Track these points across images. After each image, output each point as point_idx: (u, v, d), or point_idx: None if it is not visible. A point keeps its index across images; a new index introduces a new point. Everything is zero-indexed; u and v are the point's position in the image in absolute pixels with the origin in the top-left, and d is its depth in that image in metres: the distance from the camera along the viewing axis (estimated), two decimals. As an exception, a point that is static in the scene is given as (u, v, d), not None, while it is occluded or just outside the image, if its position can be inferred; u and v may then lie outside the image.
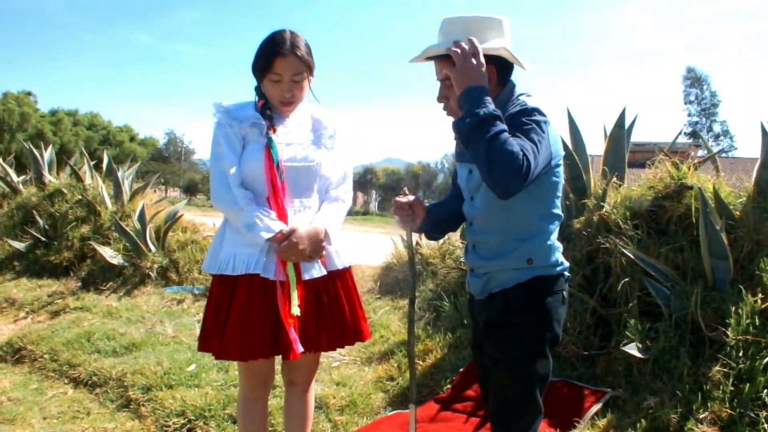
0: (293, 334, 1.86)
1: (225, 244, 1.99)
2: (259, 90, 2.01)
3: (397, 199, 1.86)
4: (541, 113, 1.57)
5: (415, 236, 1.94)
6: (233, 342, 1.90)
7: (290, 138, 2.01)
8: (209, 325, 1.99)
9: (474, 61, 1.53)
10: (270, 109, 1.99)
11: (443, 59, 1.65)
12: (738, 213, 3.02)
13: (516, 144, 1.45)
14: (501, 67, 1.66)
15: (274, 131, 1.97)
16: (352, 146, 2.20)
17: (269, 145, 1.94)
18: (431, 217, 1.86)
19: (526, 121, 1.54)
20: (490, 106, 1.50)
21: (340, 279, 2.06)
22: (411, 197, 1.85)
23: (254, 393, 2.09)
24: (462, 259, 4.00)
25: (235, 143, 1.96)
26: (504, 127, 1.48)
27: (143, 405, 3.08)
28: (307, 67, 1.96)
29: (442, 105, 1.74)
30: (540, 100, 1.67)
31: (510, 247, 1.67)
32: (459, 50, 1.54)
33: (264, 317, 1.91)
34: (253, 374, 2.05)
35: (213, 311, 1.98)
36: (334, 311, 2.02)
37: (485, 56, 1.58)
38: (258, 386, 2.09)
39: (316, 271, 1.97)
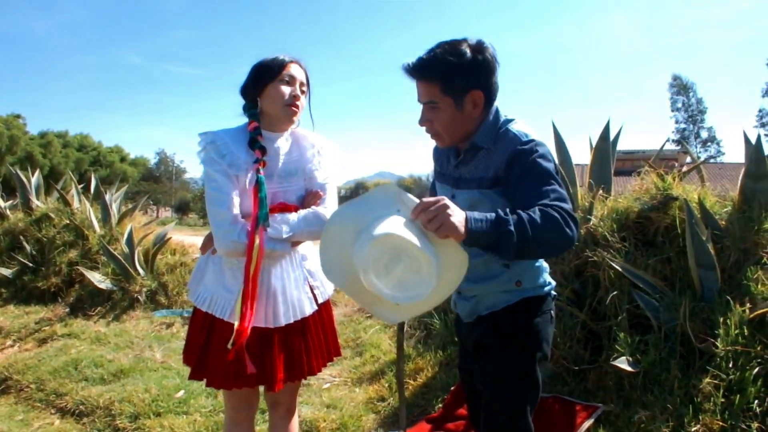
0: (248, 363, 1.84)
1: (206, 279, 1.96)
2: (251, 110, 1.92)
3: None
4: (538, 144, 1.55)
5: None
6: (217, 371, 1.88)
7: (275, 177, 1.94)
8: (193, 342, 1.98)
9: (445, 212, 1.34)
10: (261, 135, 1.90)
11: (426, 81, 1.58)
12: (724, 222, 3.03)
13: (546, 212, 1.37)
14: (488, 92, 1.61)
15: (264, 165, 1.88)
16: (337, 167, 2.16)
17: (257, 186, 1.84)
18: None
19: (537, 162, 1.50)
20: (499, 214, 1.36)
21: (324, 305, 2.08)
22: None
23: (239, 414, 2.07)
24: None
25: (232, 177, 1.86)
26: (526, 214, 1.36)
27: (131, 434, 3.02)
28: (307, 83, 1.98)
29: (425, 128, 1.68)
30: (524, 124, 1.65)
31: (498, 270, 1.67)
32: (427, 217, 1.35)
33: (250, 349, 1.88)
34: (235, 395, 2.03)
35: (197, 331, 1.97)
36: (320, 336, 2.04)
37: (474, 82, 1.55)
38: (242, 407, 2.07)
39: (307, 309, 1.97)
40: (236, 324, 1.82)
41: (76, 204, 6.78)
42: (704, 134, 45.24)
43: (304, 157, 2.02)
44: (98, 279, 5.44)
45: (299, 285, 1.97)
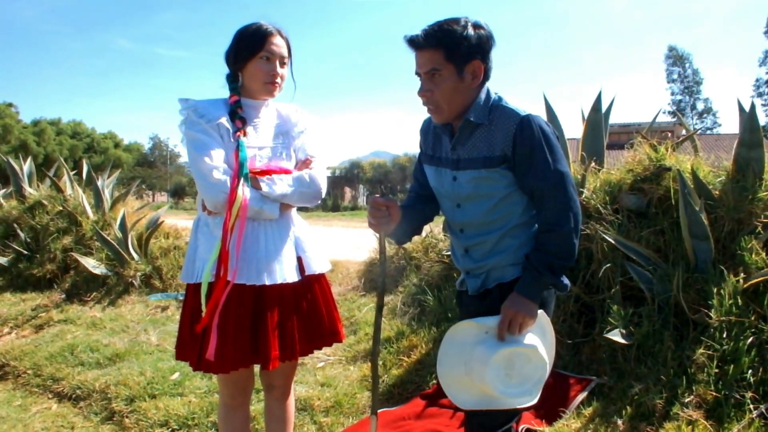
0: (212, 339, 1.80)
1: (199, 251, 1.94)
2: (232, 84, 1.94)
3: (376, 197, 1.76)
4: (534, 117, 1.60)
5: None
6: (214, 354, 1.86)
7: (262, 141, 1.95)
8: (185, 334, 1.95)
9: (520, 318, 1.61)
10: (241, 107, 1.92)
11: (431, 47, 1.60)
12: (717, 192, 3.01)
13: (558, 232, 1.60)
14: (487, 66, 1.65)
15: (245, 134, 1.90)
16: (323, 141, 2.13)
17: (238, 149, 1.86)
18: (406, 223, 1.79)
19: (539, 139, 1.59)
20: (534, 275, 1.62)
21: (318, 283, 2.05)
22: (389, 198, 1.76)
23: (234, 400, 2.06)
24: (445, 252, 3.97)
25: (216, 136, 1.87)
26: (546, 252, 1.61)
27: (127, 417, 3.03)
28: (289, 51, 1.96)
29: (422, 100, 1.67)
30: (513, 99, 1.67)
31: (506, 245, 1.70)
32: (513, 329, 1.62)
33: (242, 326, 1.87)
34: (232, 382, 2.01)
35: (189, 321, 1.94)
36: (311, 315, 2.01)
37: (477, 51, 1.59)
38: (237, 393, 2.06)
39: (291, 276, 1.93)
40: (205, 278, 1.81)
41: (68, 191, 6.74)
42: (700, 105, 44.95)
43: (289, 129, 2.03)
44: (92, 264, 5.42)
45: (285, 250, 1.94)
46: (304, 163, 2.01)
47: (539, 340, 1.64)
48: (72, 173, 7.18)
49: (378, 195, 1.77)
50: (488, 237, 1.70)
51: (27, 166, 7.50)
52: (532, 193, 1.64)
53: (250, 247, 1.88)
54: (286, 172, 1.96)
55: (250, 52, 1.89)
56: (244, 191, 1.82)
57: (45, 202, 6.63)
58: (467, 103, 1.66)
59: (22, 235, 6.34)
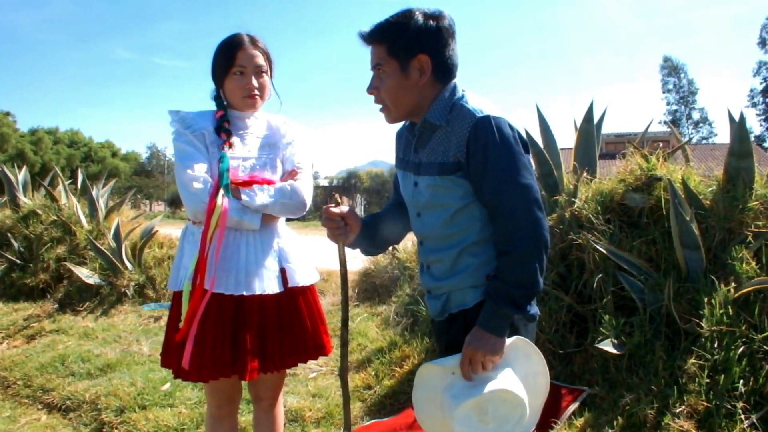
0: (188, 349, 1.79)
1: (184, 259, 1.95)
2: (218, 99, 1.98)
3: (328, 208, 1.62)
4: (493, 119, 1.42)
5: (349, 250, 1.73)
6: (192, 363, 1.85)
7: (247, 152, 1.96)
8: (170, 341, 1.95)
9: (481, 356, 1.43)
10: (228, 121, 1.95)
11: (375, 42, 1.50)
12: (708, 202, 3.01)
13: (522, 255, 1.41)
14: (440, 61, 1.49)
15: (230, 146, 1.92)
16: (310, 152, 2.14)
17: (220, 160, 1.87)
18: (367, 232, 1.67)
19: (496, 145, 1.40)
20: (499, 308, 1.43)
21: (303, 295, 2.03)
22: (344, 207, 1.62)
23: (220, 411, 2.05)
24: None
25: (200, 147, 1.90)
26: (508, 282, 1.42)
27: (116, 428, 3.01)
28: (268, 60, 1.97)
29: (373, 97, 1.56)
30: (477, 97, 1.52)
31: (465, 264, 1.51)
32: (475, 369, 1.45)
33: (222, 336, 1.86)
34: (218, 392, 2.00)
35: (173, 328, 1.93)
36: (295, 328, 1.99)
37: (421, 45, 1.46)
38: (224, 403, 2.05)
39: (272, 287, 1.92)
40: (186, 286, 1.81)
41: (63, 200, 6.73)
42: (696, 115, 45.18)
43: (277, 140, 2.03)
44: (86, 274, 5.40)
45: (267, 262, 1.93)
46: (290, 174, 2.01)
47: (512, 374, 1.47)
48: (68, 182, 7.18)
49: (332, 205, 1.62)
50: (446, 253, 1.53)
51: (22, 175, 7.49)
52: (487, 207, 1.46)
53: (230, 257, 1.88)
54: (270, 183, 1.95)
55: (224, 68, 1.92)
56: (223, 201, 1.82)
57: (39, 211, 6.61)
58: (419, 101, 1.51)
59: (15, 244, 6.31)
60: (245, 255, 1.90)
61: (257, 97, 1.95)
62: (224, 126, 1.93)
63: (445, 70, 1.51)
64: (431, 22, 1.47)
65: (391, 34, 1.48)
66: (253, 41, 1.94)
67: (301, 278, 2.00)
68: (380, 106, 1.57)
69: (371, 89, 1.55)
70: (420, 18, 1.47)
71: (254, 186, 1.91)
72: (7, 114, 34.25)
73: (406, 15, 1.48)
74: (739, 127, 3.00)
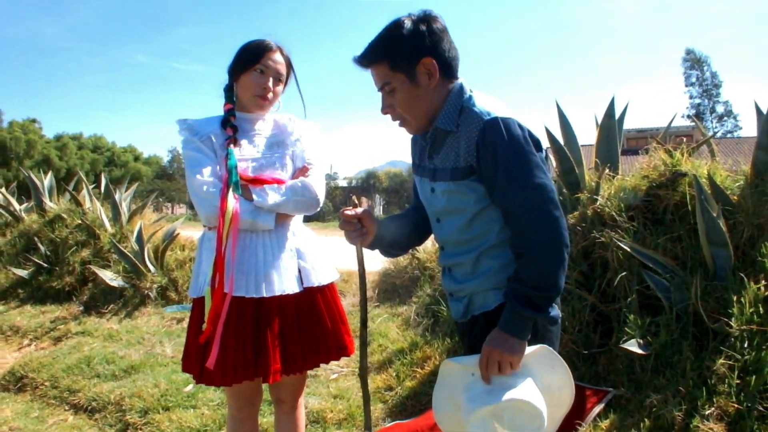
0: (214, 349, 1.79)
1: (203, 266, 1.95)
2: (228, 92, 1.98)
3: (345, 211, 1.62)
4: (502, 120, 1.40)
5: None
6: (215, 367, 1.85)
7: (256, 152, 1.96)
8: (190, 346, 1.95)
9: (500, 356, 1.41)
10: (234, 116, 1.95)
11: (375, 63, 1.50)
12: (736, 197, 2.93)
13: (539, 254, 1.39)
14: (441, 60, 1.48)
15: (236, 143, 1.92)
16: (320, 149, 2.12)
17: (227, 158, 1.88)
18: (385, 234, 1.67)
19: (506, 148, 1.38)
20: (517, 309, 1.41)
21: (321, 294, 2.02)
22: (360, 209, 1.63)
23: (241, 413, 2.05)
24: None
25: (208, 152, 1.91)
26: (527, 284, 1.39)
27: (141, 429, 3.04)
28: (288, 69, 1.98)
29: (389, 117, 1.56)
30: (485, 97, 1.51)
31: (485, 267, 1.52)
32: (494, 369, 1.43)
33: (243, 339, 1.86)
34: (238, 394, 2.01)
35: (194, 333, 1.94)
36: (314, 328, 1.98)
37: (420, 49, 1.44)
38: (245, 406, 2.05)
39: (291, 287, 1.91)
40: (207, 290, 1.80)
41: (87, 204, 6.86)
42: (720, 108, 44.15)
43: (285, 138, 2.03)
44: (110, 277, 5.49)
45: (285, 261, 1.92)
46: (301, 171, 2.00)
47: (532, 384, 1.45)
48: (92, 187, 7.32)
49: (348, 208, 1.63)
50: (466, 257, 1.54)
51: (47, 180, 7.66)
52: (502, 209, 1.46)
53: (248, 259, 1.88)
54: (280, 182, 1.94)
55: (247, 64, 1.92)
56: (234, 202, 1.82)
57: (64, 215, 6.75)
58: (435, 105, 1.51)
59: (42, 248, 6.45)
60: (263, 256, 1.90)
61: (268, 99, 1.95)
62: (231, 120, 1.94)
63: (449, 65, 1.51)
64: (422, 25, 1.47)
65: (389, 49, 1.47)
66: (281, 50, 1.96)
67: (318, 277, 1.99)
68: (397, 121, 1.56)
69: (385, 109, 1.55)
70: (410, 25, 1.47)
71: (265, 186, 1.90)
72: (33, 121, 35.07)
73: (397, 26, 1.47)
74: (767, 119, 2.91)
